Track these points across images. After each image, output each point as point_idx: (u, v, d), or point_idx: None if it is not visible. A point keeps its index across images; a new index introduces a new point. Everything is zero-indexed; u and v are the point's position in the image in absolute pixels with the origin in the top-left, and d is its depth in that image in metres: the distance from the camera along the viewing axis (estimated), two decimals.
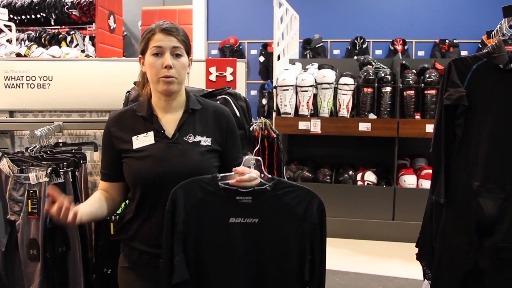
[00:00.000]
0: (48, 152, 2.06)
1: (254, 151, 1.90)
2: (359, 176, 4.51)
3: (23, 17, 6.73)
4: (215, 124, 1.59)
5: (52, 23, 6.70)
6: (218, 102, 2.04)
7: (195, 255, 1.39)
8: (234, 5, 7.28)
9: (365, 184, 4.46)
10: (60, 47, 5.58)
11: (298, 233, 1.37)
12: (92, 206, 1.52)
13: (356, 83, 4.40)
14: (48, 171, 1.86)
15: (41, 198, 1.86)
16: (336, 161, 4.90)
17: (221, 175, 1.40)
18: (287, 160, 4.83)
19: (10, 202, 1.91)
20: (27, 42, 6.38)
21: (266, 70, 6.95)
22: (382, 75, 4.36)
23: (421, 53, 6.73)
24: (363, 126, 4.30)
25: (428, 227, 1.84)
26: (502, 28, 1.72)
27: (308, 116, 4.41)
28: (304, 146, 5.04)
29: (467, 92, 1.65)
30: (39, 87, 2.47)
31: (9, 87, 2.45)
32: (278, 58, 4.65)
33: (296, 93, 4.42)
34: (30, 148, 2.04)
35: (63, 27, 6.81)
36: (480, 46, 6.12)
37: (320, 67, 4.53)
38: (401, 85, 4.31)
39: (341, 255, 3.93)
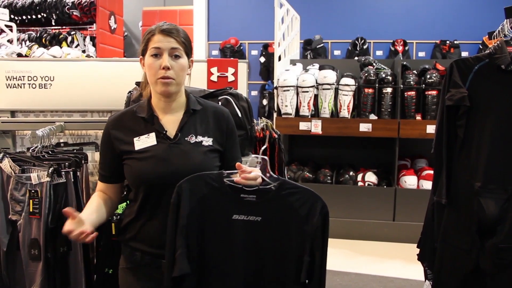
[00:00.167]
0: (50, 152, 2.06)
1: (261, 151, 1.90)
2: (359, 177, 4.51)
3: (24, 17, 6.73)
4: (215, 125, 1.60)
5: (53, 24, 6.70)
6: (219, 102, 2.05)
7: (197, 248, 1.40)
8: (234, 5, 7.28)
9: (366, 184, 4.46)
10: (61, 47, 5.58)
11: (299, 234, 1.37)
12: (94, 214, 1.52)
13: (357, 84, 4.40)
14: (50, 171, 1.86)
15: (43, 198, 1.86)
16: (337, 162, 4.90)
17: (227, 172, 1.41)
18: (288, 160, 4.83)
19: (11, 202, 1.91)
20: (27, 42, 6.38)
21: (266, 71, 6.95)
22: (383, 75, 4.37)
23: (421, 54, 6.73)
24: (364, 127, 4.30)
25: (429, 227, 1.84)
26: (504, 29, 1.72)
27: (309, 116, 4.41)
28: (305, 147, 5.04)
29: (469, 93, 1.65)
30: (40, 87, 2.47)
31: (10, 87, 2.46)
32: (279, 58, 4.66)
33: (297, 94, 4.42)
34: (31, 148, 2.04)
35: (64, 27, 6.81)
36: (481, 47, 6.12)
37: (321, 68, 4.53)
38: (402, 86, 4.31)
39: (341, 255, 3.93)
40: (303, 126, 4.39)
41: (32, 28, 6.83)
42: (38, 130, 2.04)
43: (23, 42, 6.43)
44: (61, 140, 2.35)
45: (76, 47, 6.41)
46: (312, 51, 6.67)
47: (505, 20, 1.72)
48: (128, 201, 1.65)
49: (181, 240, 1.38)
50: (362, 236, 4.34)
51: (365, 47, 6.58)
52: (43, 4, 6.63)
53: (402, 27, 6.69)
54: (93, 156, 2.31)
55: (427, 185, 4.20)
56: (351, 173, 4.57)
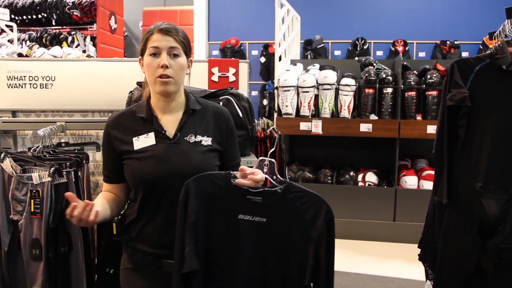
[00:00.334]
0: (51, 152, 2.06)
1: (269, 153, 1.90)
2: (360, 177, 4.52)
3: (25, 17, 6.73)
4: (215, 124, 1.60)
5: (53, 24, 6.70)
6: (221, 102, 2.05)
7: (204, 246, 1.41)
8: (235, 5, 7.28)
9: (366, 185, 4.46)
10: (61, 47, 5.58)
11: (303, 237, 1.37)
12: (101, 207, 1.51)
13: (357, 84, 4.40)
14: (51, 171, 1.86)
15: (44, 198, 1.86)
16: (337, 162, 4.90)
17: (234, 172, 1.42)
18: (288, 160, 4.83)
19: (13, 202, 1.91)
20: (28, 42, 6.39)
21: (267, 71, 6.95)
22: (384, 76, 4.37)
23: (422, 54, 6.73)
24: (364, 127, 4.30)
25: (430, 227, 1.84)
26: (505, 29, 1.72)
27: (310, 116, 4.41)
28: (305, 147, 5.05)
29: (470, 93, 1.65)
30: (41, 87, 2.47)
31: (11, 87, 2.46)
32: (280, 58, 4.66)
33: (298, 94, 4.43)
34: (33, 148, 2.04)
35: (64, 27, 6.82)
36: (481, 47, 6.12)
37: (321, 68, 4.53)
38: (402, 86, 4.31)
39: (342, 255, 3.92)
40: (303, 126, 4.39)
41: (33, 28, 6.84)
42: (39, 130, 2.04)
43: (24, 42, 6.44)
44: (62, 140, 2.36)
45: (76, 47, 6.41)
46: (312, 51, 6.67)
47: (506, 20, 1.72)
48: (128, 201, 1.65)
49: (190, 237, 1.39)
50: (362, 236, 4.34)
51: (365, 47, 6.59)
52: (43, 4, 6.63)
53: (402, 27, 6.69)
54: (94, 156, 2.31)
55: (428, 185, 4.20)
56: (351, 173, 4.57)
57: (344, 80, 4.40)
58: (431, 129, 4.13)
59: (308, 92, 4.38)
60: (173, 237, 1.46)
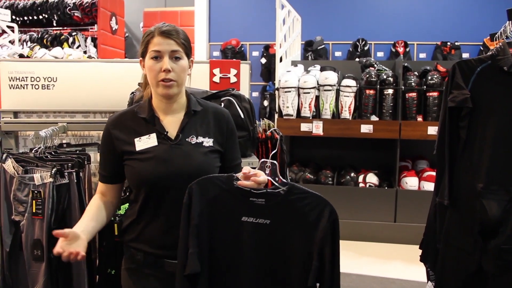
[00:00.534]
0: (53, 153, 2.06)
1: (271, 155, 1.90)
2: (361, 178, 4.52)
3: (26, 18, 6.75)
4: (215, 125, 1.60)
5: (54, 24, 6.72)
6: (222, 103, 2.05)
7: (208, 248, 1.41)
8: (236, 6, 7.28)
9: (367, 186, 4.46)
10: (62, 48, 5.60)
11: (307, 239, 1.37)
12: (92, 222, 1.52)
13: (358, 85, 4.40)
14: (53, 171, 1.87)
15: (46, 199, 1.86)
16: (338, 163, 4.90)
17: (236, 175, 1.42)
18: (289, 161, 4.83)
19: (14, 202, 1.91)
20: (29, 43, 6.40)
21: (267, 72, 6.95)
22: (384, 77, 4.37)
23: (422, 55, 6.73)
24: (365, 128, 4.30)
25: (432, 228, 1.84)
26: (506, 30, 1.73)
27: (310, 118, 4.42)
28: (306, 148, 5.05)
29: (471, 94, 1.65)
30: (43, 88, 2.48)
31: (13, 88, 2.46)
32: (281, 60, 4.66)
33: (298, 95, 4.43)
34: (34, 149, 2.04)
35: (65, 28, 6.84)
36: (482, 48, 6.12)
37: (322, 69, 4.53)
38: (403, 87, 4.31)
39: (343, 257, 3.88)
40: (304, 127, 4.40)
41: (34, 29, 6.85)
42: (41, 131, 2.04)
43: (25, 43, 6.45)
44: (64, 141, 2.36)
45: (77, 48, 6.43)
46: (313, 52, 6.67)
47: (507, 22, 1.73)
48: (129, 202, 1.65)
49: (193, 239, 1.40)
50: (363, 237, 4.34)
51: (366, 48, 6.58)
52: (44, 5, 6.65)
53: (403, 28, 6.69)
54: (96, 157, 2.31)
55: (428, 186, 4.20)
56: (352, 174, 4.57)
57: (345, 81, 4.40)
58: (432, 130, 4.13)
59: (309, 93, 4.38)
60: (174, 238, 1.47)
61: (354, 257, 3.98)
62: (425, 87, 4.29)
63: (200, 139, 1.56)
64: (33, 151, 2.03)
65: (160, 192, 1.51)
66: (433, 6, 6.67)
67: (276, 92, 4.55)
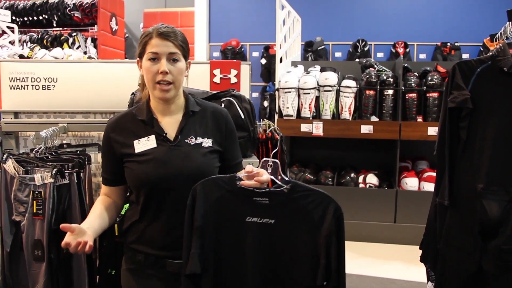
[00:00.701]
0: (53, 153, 2.06)
1: (272, 154, 1.90)
2: (361, 179, 4.52)
3: (26, 18, 6.75)
4: (214, 125, 1.60)
5: (54, 25, 6.72)
6: (222, 104, 2.05)
7: (213, 249, 1.41)
8: (236, 7, 7.28)
9: (367, 186, 4.47)
10: (62, 48, 5.60)
11: (313, 237, 1.36)
12: (97, 221, 1.52)
13: (358, 86, 4.41)
14: (53, 172, 1.87)
15: (46, 199, 1.86)
16: (338, 164, 4.90)
17: (239, 175, 1.42)
18: (289, 162, 4.83)
19: (15, 203, 1.91)
20: (29, 44, 6.40)
21: (267, 73, 6.95)
22: (384, 77, 4.37)
23: (422, 56, 6.74)
24: (365, 129, 4.31)
25: (432, 229, 1.85)
26: (506, 31, 1.73)
27: (310, 118, 4.42)
28: (306, 148, 5.05)
29: (471, 95, 1.66)
30: (44, 88, 2.48)
31: (14, 89, 2.46)
32: (281, 60, 4.67)
33: (299, 96, 4.43)
34: (35, 149, 2.04)
35: (65, 28, 6.83)
36: (482, 49, 6.13)
37: (322, 70, 4.54)
38: (403, 88, 4.32)
39: None
40: (304, 127, 4.40)
41: (34, 29, 6.85)
42: (41, 131, 2.04)
43: (25, 44, 6.45)
44: (64, 142, 2.36)
45: (77, 48, 6.42)
46: (313, 53, 6.67)
47: (507, 22, 1.73)
48: (129, 203, 1.65)
49: (196, 240, 1.40)
50: (363, 238, 4.34)
51: (366, 49, 6.59)
52: (44, 5, 6.65)
53: (403, 29, 6.69)
54: (96, 158, 2.31)
55: (428, 187, 4.21)
56: (352, 174, 4.57)
57: (345, 82, 4.40)
58: (432, 130, 4.13)
59: (309, 93, 4.38)
60: (175, 239, 1.47)
61: (354, 258, 3.98)
62: (425, 87, 4.30)
63: (199, 139, 1.56)
64: (33, 152, 2.03)
65: (160, 193, 1.51)
66: (433, 7, 6.67)
67: (276, 92, 4.55)
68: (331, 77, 4.38)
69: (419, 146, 4.73)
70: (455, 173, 1.72)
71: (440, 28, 6.61)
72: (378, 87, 4.36)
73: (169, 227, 1.51)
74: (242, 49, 7.19)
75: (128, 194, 1.70)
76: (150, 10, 8.17)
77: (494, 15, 5.56)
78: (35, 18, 6.72)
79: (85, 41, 6.62)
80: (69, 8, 6.53)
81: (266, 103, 6.83)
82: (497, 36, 1.81)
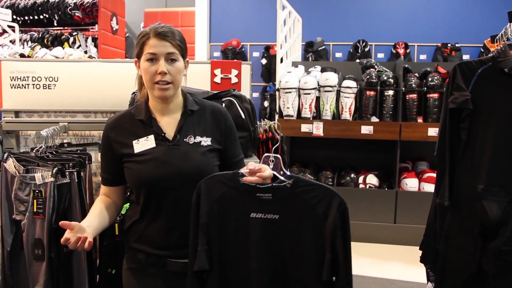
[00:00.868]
0: (54, 152, 2.06)
1: (273, 149, 1.90)
2: (361, 179, 4.52)
3: (26, 18, 6.75)
4: (213, 124, 1.60)
5: (55, 24, 6.72)
6: (223, 104, 2.05)
7: (217, 246, 1.42)
8: (236, 7, 7.29)
9: (367, 187, 4.47)
10: (63, 48, 5.60)
11: (318, 232, 1.36)
12: (96, 220, 1.52)
13: (358, 86, 4.41)
14: (54, 171, 1.87)
15: (47, 198, 1.86)
16: (338, 164, 4.90)
17: (241, 171, 1.42)
18: (289, 162, 4.83)
19: (15, 202, 1.91)
20: (29, 43, 6.40)
21: (268, 73, 6.95)
22: (385, 78, 4.37)
23: (423, 57, 6.74)
24: (366, 129, 4.31)
25: (432, 229, 1.85)
26: (507, 32, 1.74)
27: (311, 118, 4.42)
28: (306, 149, 5.05)
29: (472, 96, 1.66)
30: (44, 87, 2.48)
31: (14, 88, 2.46)
32: (281, 60, 4.67)
33: (299, 96, 4.44)
34: (35, 149, 2.04)
35: (66, 28, 6.84)
36: (482, 50, 6.13)
37: (323, 70, 4.54)
38: (403, 89, 4.32)
39: None
40: (304, 128, 4.40)
41: (34, 28, 6.85)
42: (42, 131, 2.04)
43: (25, 43, 6.45)
44: (65, 141, 2.36)
45: (78, 48, 6.43)
46: (313, 53, 6.67)
47: (508, 23, 1.73)
48: (130, 203, 1.66)
49: (202, 237, 1.40)
50: (363, 238, 4.34)
51: (366, 49, 6.59)
52: (45, 4, 6.65)
53: (403, 29, 6.69)
54: (97, 157, 2.31)
55: (428, 187, 4.21)
56: (352, 175, 4.58)
57: (346, 82, 4.40)
58: (432, 131, 4.14)
59: (309, 94, 4.38)
60: (176, 238, 1.48)
61: (354, 258, 3.93)
62: (425, 88, 4.30)
63: (198, 138, 1.55)
64: (34, 151, 2.04)
65: (160, 193, 1.51)
66: (433, 8, 6.68)
67: (277, 92, 4.55)
68: (331, 78, 4.38)
69: (419, 146, 4.73)
70: (456, 174, 1.72)
71: (440, 29, 6.62)
72: (379, 87, 4.37)
73: (169, 227, 1.51)
74: (243, 49, 7.20)
75: (128, 194, 1.71)
76: (151, 10, 8.17)
77: (495, 16, 5.57)
78: (36, 17, 6.73)
79: (86, 41, 6.63)
80: (70, 7, 6.53)
81: (266, 103, 6.83)
82: (497, 37, 1.81)
